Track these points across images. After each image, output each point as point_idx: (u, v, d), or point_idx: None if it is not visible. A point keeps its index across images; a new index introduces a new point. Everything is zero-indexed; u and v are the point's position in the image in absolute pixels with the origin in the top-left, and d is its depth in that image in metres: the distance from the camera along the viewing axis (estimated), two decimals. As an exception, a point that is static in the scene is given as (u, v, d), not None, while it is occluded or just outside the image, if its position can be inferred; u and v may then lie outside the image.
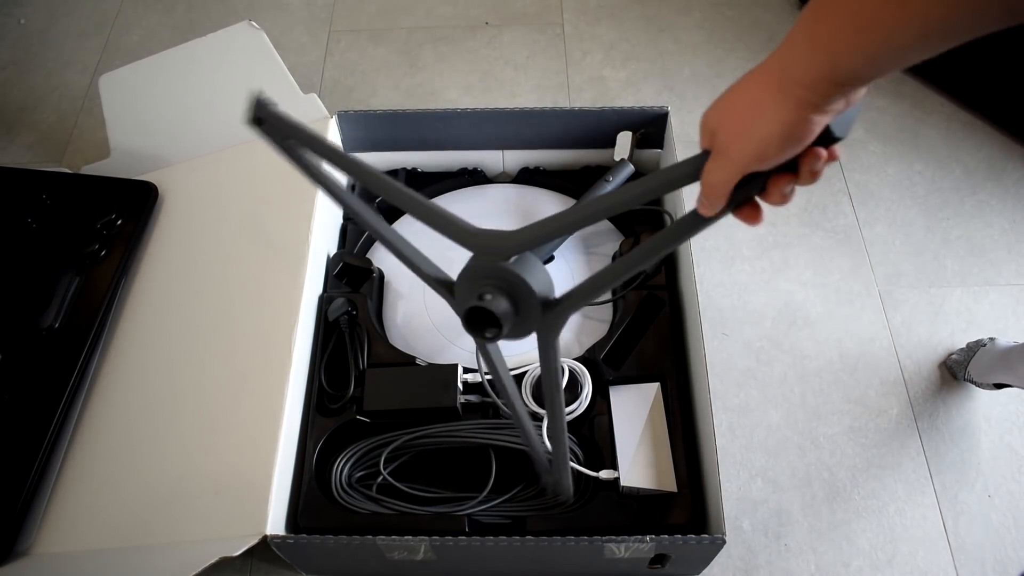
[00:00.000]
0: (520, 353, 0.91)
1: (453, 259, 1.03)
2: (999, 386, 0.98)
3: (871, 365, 1.05)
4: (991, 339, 1.01)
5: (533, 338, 0.91)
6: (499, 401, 0.85)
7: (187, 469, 0.81)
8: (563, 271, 0.98)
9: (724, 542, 0.72)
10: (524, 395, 0.86)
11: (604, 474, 0.81)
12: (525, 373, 0.88)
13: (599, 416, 0.86)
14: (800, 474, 0.97)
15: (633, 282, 0.93)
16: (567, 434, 0.84)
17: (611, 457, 0.83)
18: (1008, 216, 1.18)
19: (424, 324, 0.95)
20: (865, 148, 1.27)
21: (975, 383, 1.00)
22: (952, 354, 1.04)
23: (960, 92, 1.29)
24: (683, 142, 0.99)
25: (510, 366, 0.88)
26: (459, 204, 1.08)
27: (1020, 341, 0.95)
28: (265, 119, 0.57)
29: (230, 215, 1.00)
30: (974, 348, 1.01)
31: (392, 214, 1.08)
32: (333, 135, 1.04)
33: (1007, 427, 1.00)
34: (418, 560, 0.78)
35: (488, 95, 1.38)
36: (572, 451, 0.82)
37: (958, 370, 1.02)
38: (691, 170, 0.44)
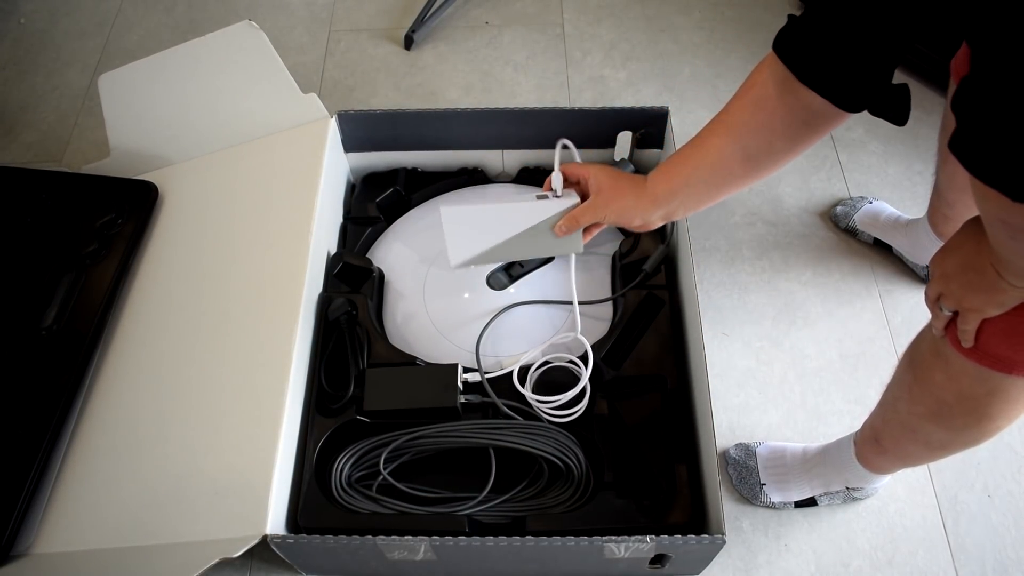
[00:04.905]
0: (520, 352, 0.91)
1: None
2: (878, 242, 1.14)
3: (871, 365, 1.05)
4: (873, 199, 1.18)
5: (532, 338, 0.91)
6: (499, 401, 0.85)
7: (187, 469, 0.81)
8: (562, 271, 0.97)
9: (724, 542, 0.72)
10: (525, 395, 0.86)
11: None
12: (526, 370, 0.88)
13: (600, 417, 0.86)
14: (800, 474, 0.97)
15: (633, 282, 0.93)
16: (571, 438, 0.84)
17: (611, 457, 0.83)
18: (1008, 216, 1.18)
19: (424, 324, 0.95)
20: (865, 148, 1.27)
21: (856, 231, 1.15)
22: (837, 206, 1.19)
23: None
24: (683, 142, 0.99)
25: (509, 366, 0.88)
26: (459, 204, 1.07)
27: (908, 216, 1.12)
28: None
29: (230, 215, 1.00)
30: (858, 203, 1.17)
31: (392, 214, 1.08)
32: (333, 135, 1.04)
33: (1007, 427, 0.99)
34: (418, 560, 0.78)
35: (488, 95, 1.38)
36: (572, 450, 0.82)
37: (842, 220, 1.17)
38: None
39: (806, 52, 0.59)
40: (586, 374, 0.86)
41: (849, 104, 0.59)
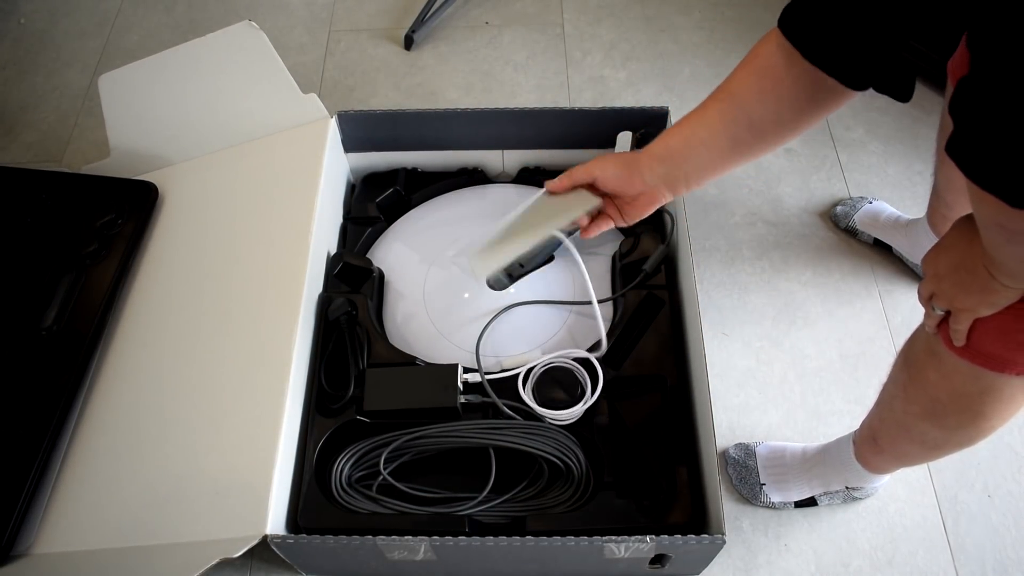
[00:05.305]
0: (520, 353, 0.91)
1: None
2: (878, 242, 1.14)
3: (871, 365, 1.05)
4: (873, 199, 1.18)
5: (532, 338, 0.91)
6: (499, 401, 0.85)
7: (187, 469, 0.81)
8: (563, 271, 0.97)
9: (724, 542, 0.72)
10: (525, 395, 0.86)
11: None
12: (527, 373, 0.88)
13: (600, 416, 0.86)
14: (800, 474, 0.97)
15: (633, 282, 0.93)
16: (571, 438, 0.84)
17: (611, 457, 0.83)
18: (1008, 216, 1.18)
19: (424, 324, 0.95)
20: (865, 148, 1.27)
21: (856, 231, 1.16)
22: (837, 206, 1.19)
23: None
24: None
25: (509, 366, 0.88)
26: (459, 204, 1.08)
27: (909, 216, 1.12)
28: None
29: (230, 215, 1.00)
30: (858, 203, 1.17)
31: (392, 214, 1.08)
32: (333, 135, 1.04)
33: (1007, 427, 0.99)
34: (418, 560, 0.78)
35: (488, 95, 1.38)
36: (572, 450, 0.82)
37: (842, 220, 1.17)
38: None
39: (811, 29, 0.59)
40: (587, 375, 0.86)
41: (855, 81, 0.59)
